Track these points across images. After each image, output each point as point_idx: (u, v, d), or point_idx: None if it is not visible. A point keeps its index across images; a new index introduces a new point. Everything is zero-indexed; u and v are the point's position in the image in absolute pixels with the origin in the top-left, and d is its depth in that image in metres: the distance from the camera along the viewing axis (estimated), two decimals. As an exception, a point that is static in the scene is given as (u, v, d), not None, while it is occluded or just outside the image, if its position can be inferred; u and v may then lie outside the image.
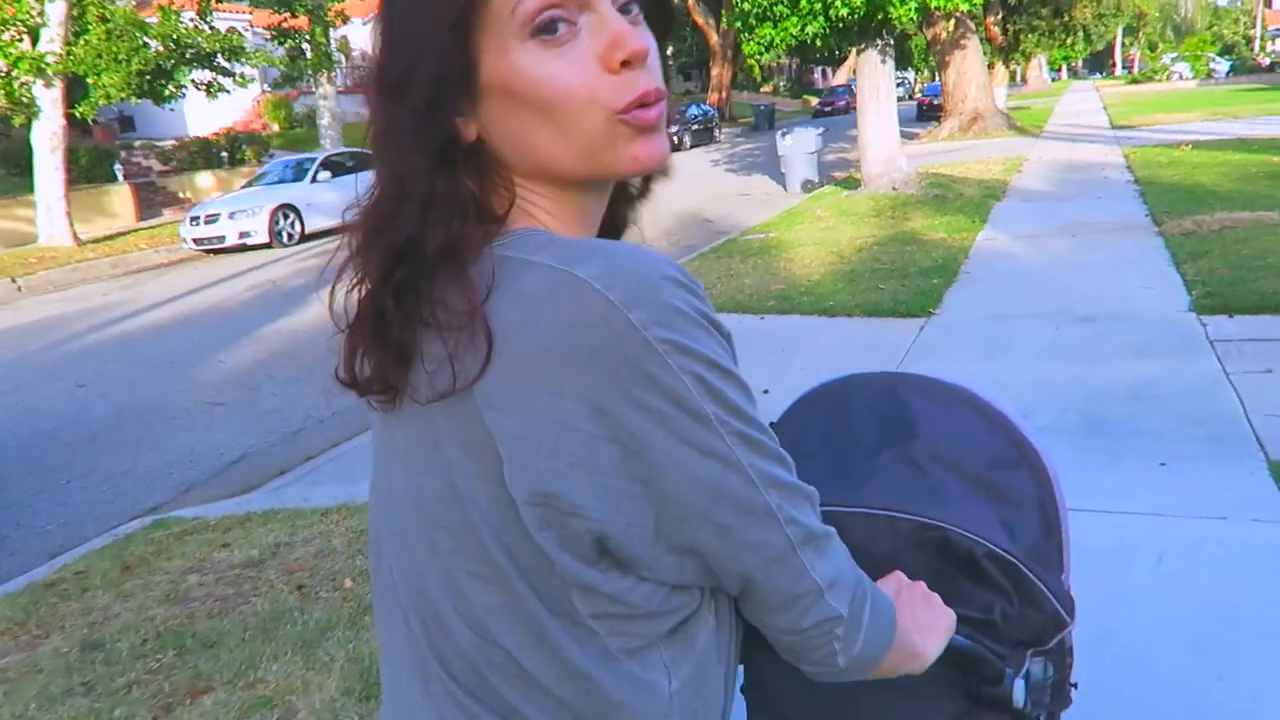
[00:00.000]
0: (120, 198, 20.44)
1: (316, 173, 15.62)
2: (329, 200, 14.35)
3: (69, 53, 14.74)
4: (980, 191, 12.35)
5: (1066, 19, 28.46)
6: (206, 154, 23.75)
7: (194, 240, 14.74)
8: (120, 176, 20.88)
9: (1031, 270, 7.49)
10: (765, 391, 5.19)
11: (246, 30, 24.14)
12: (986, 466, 1.00)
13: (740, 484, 0.66)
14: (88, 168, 20.26)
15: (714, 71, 41.79)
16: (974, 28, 23.31)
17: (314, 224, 14.83)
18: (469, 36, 0.66)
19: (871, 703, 0.92)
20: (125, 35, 15.25)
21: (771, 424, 1.10)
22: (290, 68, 21.78)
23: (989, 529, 0.93)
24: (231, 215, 14.46)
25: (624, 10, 0.70)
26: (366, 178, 0.72)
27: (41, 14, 14.40)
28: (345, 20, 22.08)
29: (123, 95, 15.47)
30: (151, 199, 21.52)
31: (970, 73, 22.43)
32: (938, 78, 27.19)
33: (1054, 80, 67.19)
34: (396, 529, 0.75)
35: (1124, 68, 74.02)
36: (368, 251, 0.69)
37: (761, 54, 12.94)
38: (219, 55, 17.90)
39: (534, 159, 0.70)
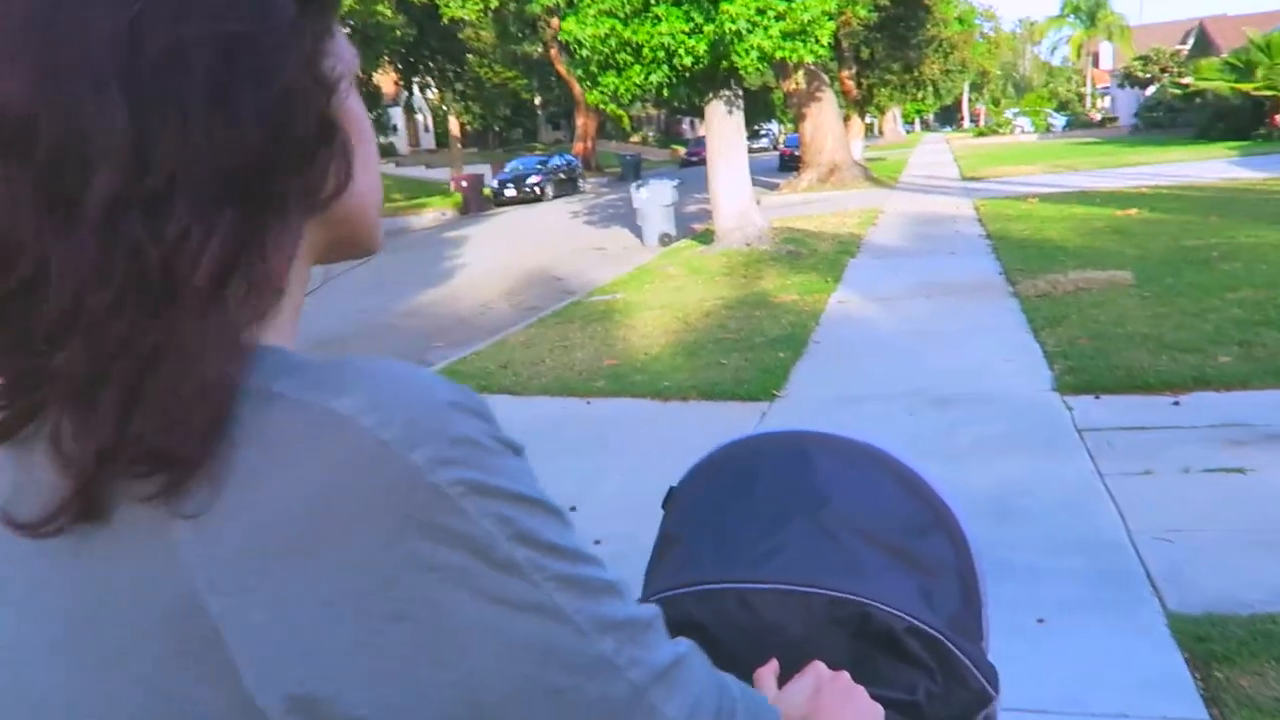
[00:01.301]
0: None
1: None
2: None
3: None
4: (835, 247, 11.94)
5: (916, 74, 29.44)
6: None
7: None
8: None
9: (884, 339, 6.87)
10: (573, 509, 4.27)
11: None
12: (902, 532, 0.91)
13: (569, 636, 0.51)
14: None
15: (579, 121, 41.49)
16: (829, 81, 23.60)
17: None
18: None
19: None
20: None
21: (671, 489, 1.01)
22: None
23: (909, 601, 0.85)
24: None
25: None
26: None
27: None
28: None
29: None
30: None
31: (827, 125, 22.60)
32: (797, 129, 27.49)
33: (908, 132, 70.30)
34: None
35: (971, 121, 78.09)
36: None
37: (605, 104, 12.29)
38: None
39: (366, 221, 0.60)
